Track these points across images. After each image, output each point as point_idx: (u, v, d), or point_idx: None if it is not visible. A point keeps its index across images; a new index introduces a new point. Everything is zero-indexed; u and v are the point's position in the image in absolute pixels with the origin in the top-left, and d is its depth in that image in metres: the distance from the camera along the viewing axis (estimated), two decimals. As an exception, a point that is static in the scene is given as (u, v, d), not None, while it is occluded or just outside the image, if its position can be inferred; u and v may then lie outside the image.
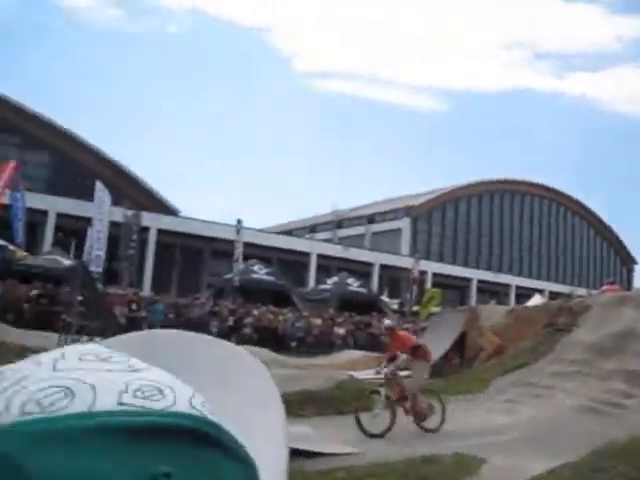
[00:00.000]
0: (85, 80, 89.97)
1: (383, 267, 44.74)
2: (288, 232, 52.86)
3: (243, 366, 0.54)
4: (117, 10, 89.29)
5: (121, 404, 0.37)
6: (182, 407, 0.40)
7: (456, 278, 48.64)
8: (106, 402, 0.37)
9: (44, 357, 0.41)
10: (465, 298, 46.36)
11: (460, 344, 15.74)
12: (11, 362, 0.37)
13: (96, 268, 22.68)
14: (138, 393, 0.39)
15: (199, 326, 21.60)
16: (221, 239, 35.15)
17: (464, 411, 9.97)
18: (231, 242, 30.40)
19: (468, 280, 49.83)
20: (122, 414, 0.37)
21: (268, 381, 0.53)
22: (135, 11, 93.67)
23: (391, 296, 37.28)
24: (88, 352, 0.42)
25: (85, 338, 10.18)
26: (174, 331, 0.64)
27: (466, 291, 49.08)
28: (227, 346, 0.61)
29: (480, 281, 49.98)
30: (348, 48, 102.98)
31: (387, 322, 11.90)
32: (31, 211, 28.15)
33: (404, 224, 53.70)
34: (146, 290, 31.46)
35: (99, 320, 9.26)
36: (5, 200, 24.50)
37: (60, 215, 33.94)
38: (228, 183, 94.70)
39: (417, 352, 9.48)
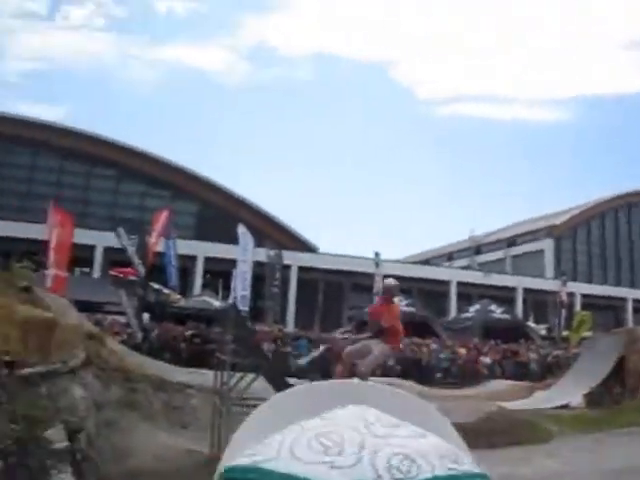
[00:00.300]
0: (222, 131, 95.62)
1: (527, 291, 42.98)
2: (425, 261, 52.38)
3: (423, 412, 0.56)
4: (245, 65, 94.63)
5: (449, 469, 0.41)
6: (474, 467, 0.44)
7: (608, 298, 45.52)
8: (440, 468, 0.40)
9: (347, 420, 0.44)
10: (619, 320, 43.24)
11: (619, 370, 14.74)
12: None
13: (242, 307, 23.82)
14: (450, 457, 0.42)
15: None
16: (360, 272, 35.60)
17: (626, 447, 9.31)
18: (370, 275, 30.71)
19: (622, 300, 46.49)
20: (456, 479, 0.41)
21: (448, 425, 0.56)
22: (262, 63, 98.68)
23: (537, 321, 35.73)
24: (381, 417, 0.46)
25: (239, 375, 10.75)
26: (346, 382, 0.64)
27: (620, 312, 45.77)
28: (391, 391, 0.63)
29: (636, 300, 46.42)
30: (465, 70, 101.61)
31: (390, 280, 8.74)
32: (182, 257, 30.24)
33: (546, 245, 51.39)
34: (290, 326, 32.42)
35: (251, 357, 9.76)
36: (159, 248, 26.55)
37: (208, 259, 36.08)
38: (362, 216, 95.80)
39: (391, 335, 8.09)
